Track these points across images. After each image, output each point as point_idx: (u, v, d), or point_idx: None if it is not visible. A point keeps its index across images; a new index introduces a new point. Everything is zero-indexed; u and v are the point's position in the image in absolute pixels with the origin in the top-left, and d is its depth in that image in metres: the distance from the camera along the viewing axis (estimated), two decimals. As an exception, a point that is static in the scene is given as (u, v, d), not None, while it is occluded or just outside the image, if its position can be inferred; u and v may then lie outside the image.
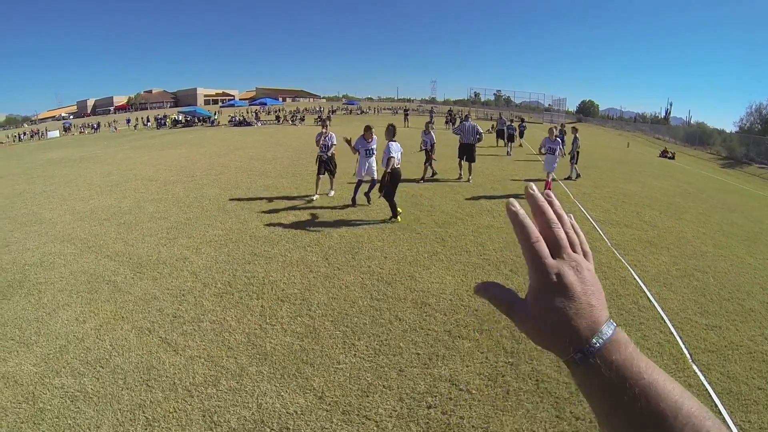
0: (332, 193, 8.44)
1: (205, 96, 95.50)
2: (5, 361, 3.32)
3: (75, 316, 3.99)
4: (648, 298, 4.47)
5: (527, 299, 0.44)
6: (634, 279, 4.92)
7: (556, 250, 0.44)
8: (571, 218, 0.48)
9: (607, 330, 0.41)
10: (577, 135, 12.23)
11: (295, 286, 4.48)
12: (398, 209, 6.93)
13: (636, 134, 43.24)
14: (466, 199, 8.48)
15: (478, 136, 9.74)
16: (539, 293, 0.43)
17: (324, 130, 8.02)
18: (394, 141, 6.64)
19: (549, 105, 59.39)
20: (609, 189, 10.24)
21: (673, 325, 3.96)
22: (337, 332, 3.66)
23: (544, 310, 0.42)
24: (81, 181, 10.71)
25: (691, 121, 48.14)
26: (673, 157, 22.06)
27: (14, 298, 4.35)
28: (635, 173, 13.66)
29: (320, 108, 52.34)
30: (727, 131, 35.03)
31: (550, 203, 0.47)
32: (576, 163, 11.86)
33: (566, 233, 0.45)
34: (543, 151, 9.84)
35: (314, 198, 8.09)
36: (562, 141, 12.39)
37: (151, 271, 4.90)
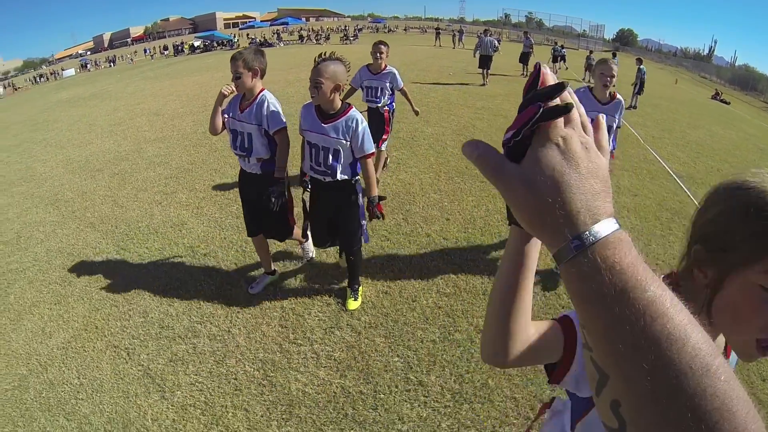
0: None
1: (225, 20, 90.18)
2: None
3: (41, 326, 2.92)
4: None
5: (523, 161, 0.35)
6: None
7: (567, 123, 0.35)
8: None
9: (611, 225, 0.31)
10: (642, 66, 10.88)
11: (327, 273, 3.18)
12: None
13: (679, 70, 38.22)
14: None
15: (493, 49, 11.38)
16: (539, 152, 0.34)
17: (236, 83, 2.49)
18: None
19: (584, 30, 52.77)
20: (677, 134, 8.54)
21: None
22: (395, 358, 2.39)
23: (542, 169, 0.33)
24: (84, 123, 9.54)
25: (737, 63, 41.96)
26: (728, 103, 18.62)
27: (-26, 295, 3.34)
28: (696, 117, 11.53)
29: (345, 27, 47.41)
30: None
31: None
32: (639, 94, 10.67)
33: (581, 116, 0.37)
34: None
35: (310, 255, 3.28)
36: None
37: (138, 246, 3.73)
